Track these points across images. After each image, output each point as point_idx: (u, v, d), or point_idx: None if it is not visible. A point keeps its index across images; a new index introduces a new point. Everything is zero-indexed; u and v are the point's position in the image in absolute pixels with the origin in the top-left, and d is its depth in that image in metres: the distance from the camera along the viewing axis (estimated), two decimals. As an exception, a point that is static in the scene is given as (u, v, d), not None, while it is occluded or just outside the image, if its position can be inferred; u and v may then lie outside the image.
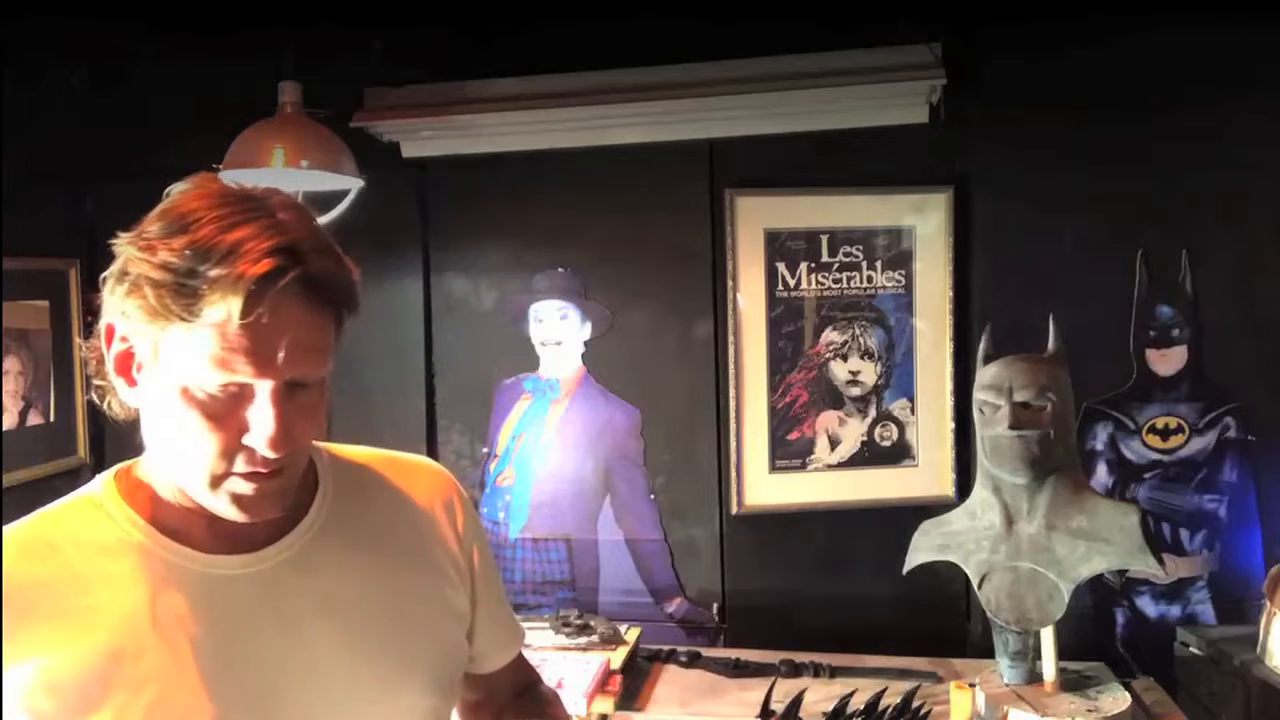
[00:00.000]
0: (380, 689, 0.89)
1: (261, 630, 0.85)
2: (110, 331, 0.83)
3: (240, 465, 0.80)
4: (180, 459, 0.82)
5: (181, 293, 0.75)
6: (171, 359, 0.78)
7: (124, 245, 0.79)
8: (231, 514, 0.82)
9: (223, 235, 0.76)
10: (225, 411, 0.79)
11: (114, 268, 0.80)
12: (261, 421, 0.79)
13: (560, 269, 2.55)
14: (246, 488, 0.81)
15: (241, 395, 0.79)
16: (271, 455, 0.80)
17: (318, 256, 0.80)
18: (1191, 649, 2.16)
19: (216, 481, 0.81)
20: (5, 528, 0.85)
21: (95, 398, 0.89)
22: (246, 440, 0.80)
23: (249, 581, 0.86)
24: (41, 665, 0.79)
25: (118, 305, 0.80)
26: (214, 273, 0.75)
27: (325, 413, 0.87)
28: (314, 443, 0.96)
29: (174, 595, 0.83)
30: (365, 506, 0.96)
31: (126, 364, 0.83)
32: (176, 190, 0.82)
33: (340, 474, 0.97)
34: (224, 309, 0.75)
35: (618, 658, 2.12)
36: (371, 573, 0.93)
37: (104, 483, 0.88)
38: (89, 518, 0.86)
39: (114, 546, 0.84)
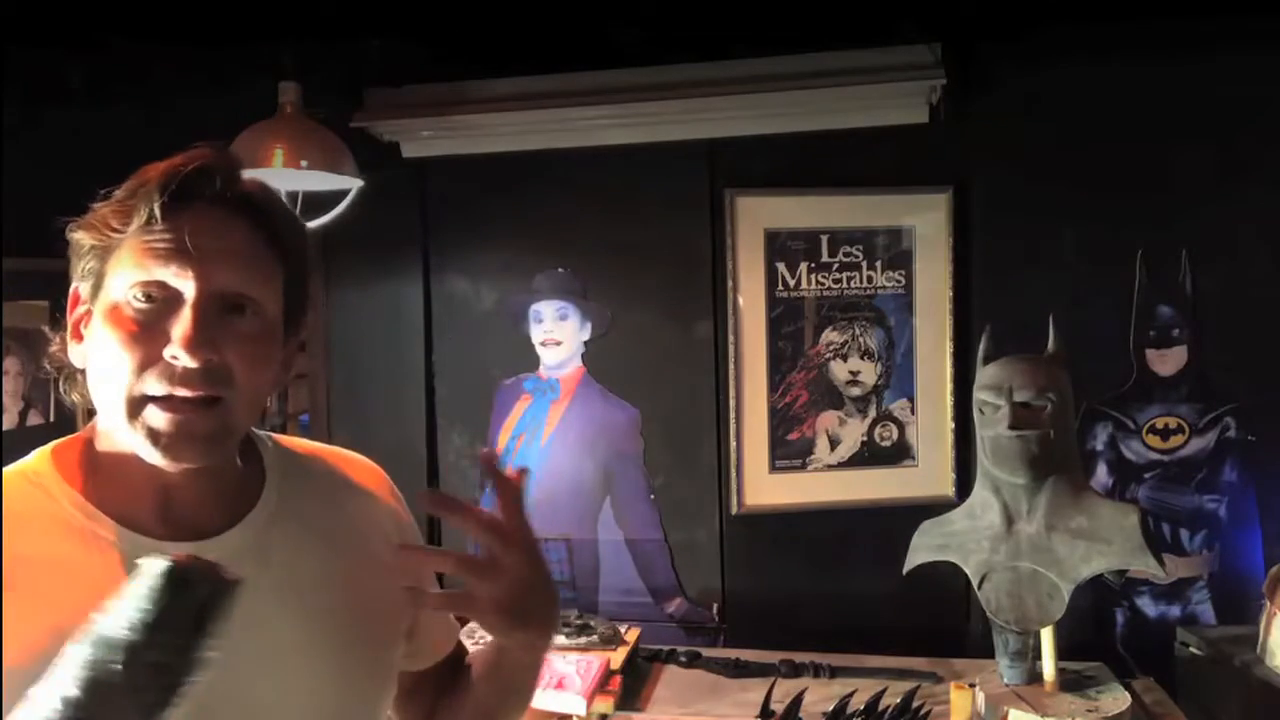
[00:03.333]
0: (335, 676, 0.88)
1: None
2: (75, 298, 0.85)
3: (156, 385, 0.78)
4: (103, 393, 0.81)
5: (120, 209, 0.81)
6: (109, 284, 0.81)
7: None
8: (152, 454, 0.79)
9: (169, 158, 0.83)
10: (149, 323, 0.79)
11: (75, 232, 0.84)
12: (180, 323, 0.78)
13: (560, 269, 2.55)
14: (161, 419, 0.78)
15: (166, 307, 0.79)
16: (188, 361, 0.77)
17: (255, 186, 0.85)
18: (1191, 649, 2.16)
19: (134, 408, 0.79)
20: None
21: (64, 390, 0.89)
22: (166, 352, 0.78)
23: None
24: None
25: (74, 262, 0.84)
26: (144, 185, 0.80)
27: (278, 364, 0.87)
28: (257, 431, 0.95)
29: (106, 574, 0.78)
30: (313, 497, 0.95)
31: (78, 324, 0.85)
32: None
33: (286, 464, 0.95)
34: (147, 207, 0.79)
35: (618, 658, 2.12)
36: (323, 562, 0.91)
37: (39, 457, 0.86)
38: (25, 495, 0.82)
39: (55, 527, 0.81)
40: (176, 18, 2.21)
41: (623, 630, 2.26)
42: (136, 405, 0.79)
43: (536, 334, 2.57)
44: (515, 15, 2.30)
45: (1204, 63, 2.26)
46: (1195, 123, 2.29)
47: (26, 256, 2.25)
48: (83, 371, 0.85)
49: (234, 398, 0.81)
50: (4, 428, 2.19)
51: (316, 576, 0.90)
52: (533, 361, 2.58)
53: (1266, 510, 2.33)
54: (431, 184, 2.57)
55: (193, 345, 0.77)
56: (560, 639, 2.21)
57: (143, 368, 0.78)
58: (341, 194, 2.22)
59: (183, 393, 0.78)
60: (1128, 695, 1.81)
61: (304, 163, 2.09)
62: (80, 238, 0.82)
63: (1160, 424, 2.36)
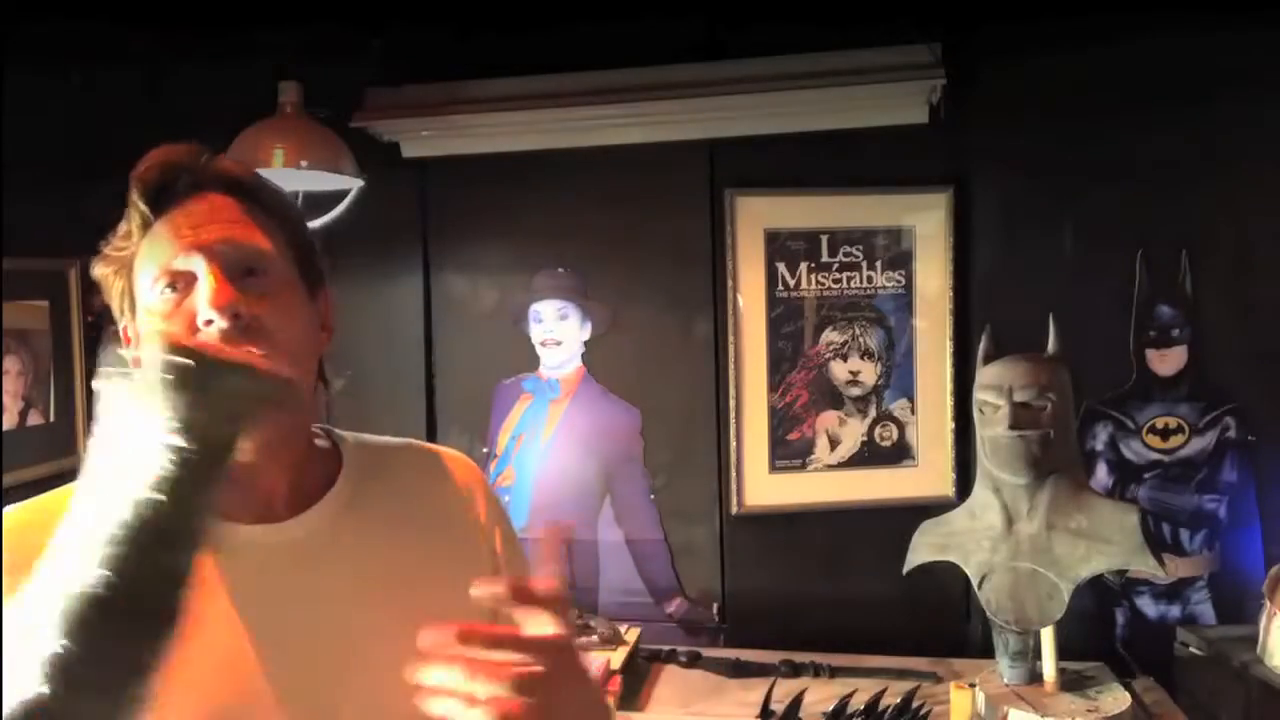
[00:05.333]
0: (396, 668, 0.88)
1: (284, 600, 0.85)
2: (125, 336, 0.91)
3: None
4: None
5: (123, 228, 0.88)
6: (138, 294, 0.87)
7: None
8: None
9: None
10: (176, 306, 0.84)
11: (96, 269, 0.90)
12: (202, 292, 0.83)
13: (560, 269, 2.55)
14: None
15: (189, 290, 0.84)
16: (220, 320, 0.82)
17: (229, 166, 0.91)
18: (1191, 649, 2.16)
19: None
20: (30, 499, 0.88)
21: None
22: (199, 320, 0.83)
23: (271, 552, 0.86)
24: None
25: (109, 298, 0.90)
26: (130, 201, 0.87)
27: (311, 321, 0.91)
28: (338, 430, 0.99)
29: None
30: (389, 489, 0.97)
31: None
32: None
33: (365, 457, 0.98)
34: (139, 213, 0.86)
35: (618, 658, 2.12)
36: (395, 552, 0.92)
37: None
38: None
39: None
40: (177, 18, 2.22)
41: (623, 630, 2.26)
42: None
43: (536, 334, 2.57)
44: (516, 15, 2.31)
45: (1206, 63, 2.25)
46: (1196, 122, 2.28)
47: (26, 256, 2.26)
48: None
49: (276, 351, 0.85)
50: (4, 428, 2.19)
51: (386, 567, 0.91)
52: (533, 361, 2.58)
53: (1266, 510, 2.33)
54: (431, 184, 2.57)
55: (219, 303, 0.82)
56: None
57: (186, 339, 0.83)
58: (341, 194, 2.23)
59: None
60: (1128, 695, 1.81)
61: (304, 163, 2.09)
62: (102, 270, 0.89)
63: (1160, 424, 2.36)
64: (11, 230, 2.08)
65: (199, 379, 0.66)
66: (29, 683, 0.60)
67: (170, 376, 0.65)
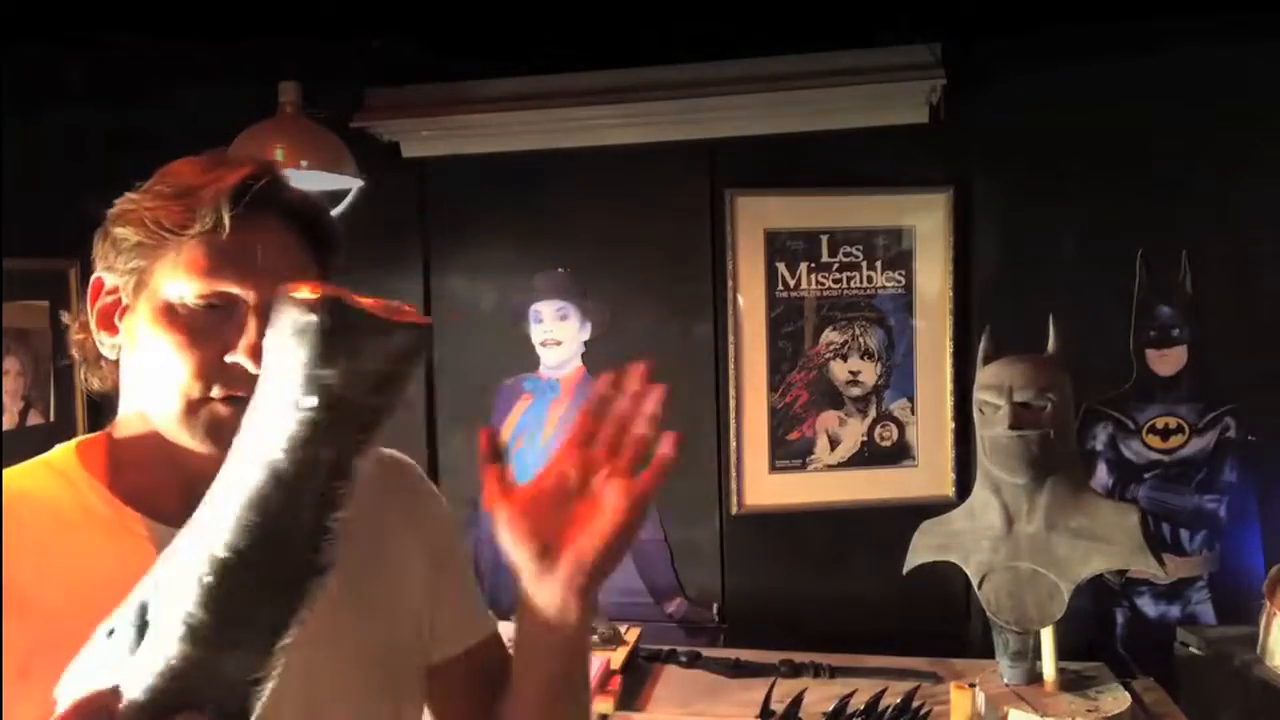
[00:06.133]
0: (335, 681, 0.87)
1: None
2: (98, 286, 0.86)
3: (217, 390, 0.81)
4: (156, 389, 0.82)
5: (175, 209, 0.81)
6: (160, 284, 0.81)
7: (119, 201, 0.84)
8: (203, 445, 0.81)
9: (213, 160, 0.85)
10: (207, 328, 0.81)
11: (107, 221, 0.84)
12: (246, 333, 0.80)
13: (560, 269, 2.55)
14: (224, 411, 0.80)
15: (225, 313, 0.81)
16: (253, 368, 0.79)
17: (299, 194, 0.88)
18: (1191, 649, 2.16)
19: (193, 407, 0.81)
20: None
21: (83, 377, 0.90)
22: (228, 358, 0.80)
23: None
24: None
25: (108, 254, 0.84)
26: (206, 188, 0.81)
27: None
28: None
29: (137, 568, 0.79)
30: None
31: (109, 314, 0.85)
32: None
33: None
34: (213, 215, 0.80)
35: (618, 658, 2.12)
36: (340, 555, 0.91)
37: (63, 450, 0.88)
38: (48, 483, 0.85)
39: (75, 514, 0.83)
40: (176, 17, 2.21)
41: (623, 630, 2.26)
42: (196, 405, 0.81)
43: (536, 334, 2.57)
44: (516, 15, 2.30)
45: (1205, 62, 2.26)
46: (1196, 122, 2.28)
47: (26, 256, 2.25)
48: (109, 361, 0.87)
49: None
50: (4, 428, 2.19)
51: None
52: (533, 361, 2.58)
53: (1266, 510, 2.33)
54: (431, 184, 2.57)
55: (258, 353, 0.79)
56: (560, 639, 2.21)
57: (203, 370, 0.80)
58: (341, 194, 2.22)
59: (242, 394, 0.80)
60: (1128, 695, 1.81)
61: (304, 163, 2.09)
62: (126, 233, 0.83)
63: (1160, 424, 2.36)
64: (11, 230, 2.08)
65: (337, 336, 0.58)
66: (168, 646, 0.60)
67: (304, 331, 0.58)
